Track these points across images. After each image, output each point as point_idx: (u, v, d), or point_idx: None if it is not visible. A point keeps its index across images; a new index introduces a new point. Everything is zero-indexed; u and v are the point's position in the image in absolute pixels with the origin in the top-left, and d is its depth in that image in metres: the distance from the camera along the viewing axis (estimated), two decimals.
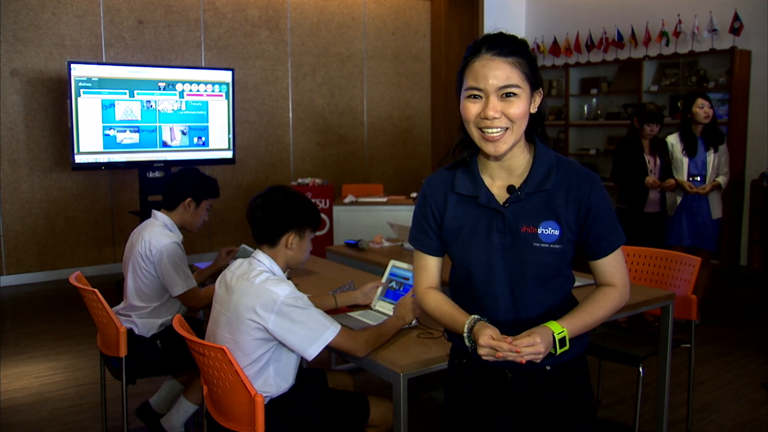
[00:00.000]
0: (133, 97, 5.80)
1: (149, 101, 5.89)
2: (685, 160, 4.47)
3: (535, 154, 1.55)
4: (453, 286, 1.65)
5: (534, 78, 1.48)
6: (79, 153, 5.60)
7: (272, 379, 2.11)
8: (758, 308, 5.19)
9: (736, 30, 5.88)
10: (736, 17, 5.86)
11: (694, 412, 3.24)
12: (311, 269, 3.26)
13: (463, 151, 1.57)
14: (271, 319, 2.01)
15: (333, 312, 2.45)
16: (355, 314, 2.50)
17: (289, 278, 2.28)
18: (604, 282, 1.57)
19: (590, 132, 7.54)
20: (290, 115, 7.47)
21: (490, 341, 1.43)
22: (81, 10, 6.19)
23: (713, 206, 4.51)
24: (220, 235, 7.12)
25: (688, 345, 3.00)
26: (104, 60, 6.27)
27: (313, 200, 2.35)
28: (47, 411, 3.40)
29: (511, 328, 1.49)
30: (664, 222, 4.58)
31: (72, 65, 5.52)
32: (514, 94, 1.44)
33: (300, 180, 6.46)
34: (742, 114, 6.03)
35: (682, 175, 4.47)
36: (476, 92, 1.45)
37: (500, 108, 1.44)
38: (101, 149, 5.70)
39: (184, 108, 6.07)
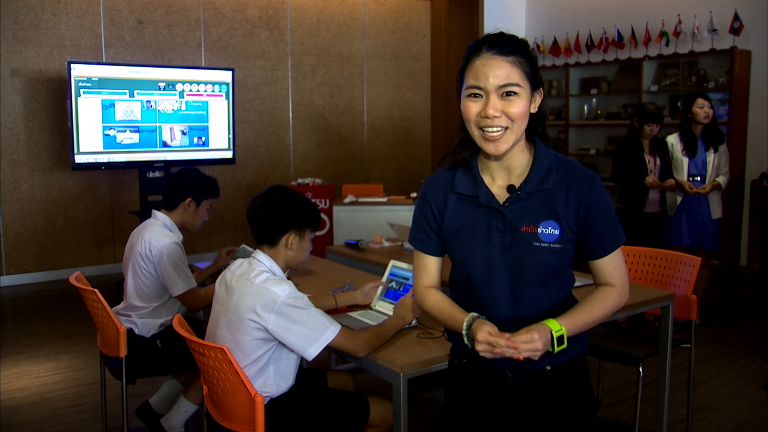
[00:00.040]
0: (133, 97, 5.80)
1: (149, 101, 5.89)
2: (685, 160, 4.47)
3: (536, 154, 1.55)
4: (453, 285, 1.65)
5: (534, 78, 1.49)
6: (79, 153, 5.60)
7: (272, 379, 2.11)
8: (758, 308, 5.19)
9: (736, 30, 5.88)
10: (736, 17, 5.86)
11: (694, 412, 3.24)
12: (311, 269, 3.26)
13: (464, 151, 1.57)
14: (271, 319, 2.01)
15: (333, 312, 2.45)
16: (355, 314, 2.50)
17: (289, 278, 2.28)
18: (604, 282, 1.57)
19: (590, 132, 7.54)
20: (290, 115, 7.46)
21: (487, 337, 1.43)
22: (81, 10, 6.19)
23: (713, 206, 4.51)
24: (220, 235, 7.12)
25: (688, 345, 3.00)
26: (104, 60, 6.27)
27: (313, 200, 2.35)
28: (47, 411, 3.40)
29: (511, 327, 1.48)
30: (664, 222, 4.58)
31: (72, 65, 5.52)
32: (515, 93, 1.45)
33: (300, 180, 6.46)
34: (742, 114, 6.03)
35: (682, 175, 4.47)
36: (477, 91, 1.46)
37: (500, 107, 1.44)
38: (101, 149, 5.70)
39: (184, 108, 6.07)
